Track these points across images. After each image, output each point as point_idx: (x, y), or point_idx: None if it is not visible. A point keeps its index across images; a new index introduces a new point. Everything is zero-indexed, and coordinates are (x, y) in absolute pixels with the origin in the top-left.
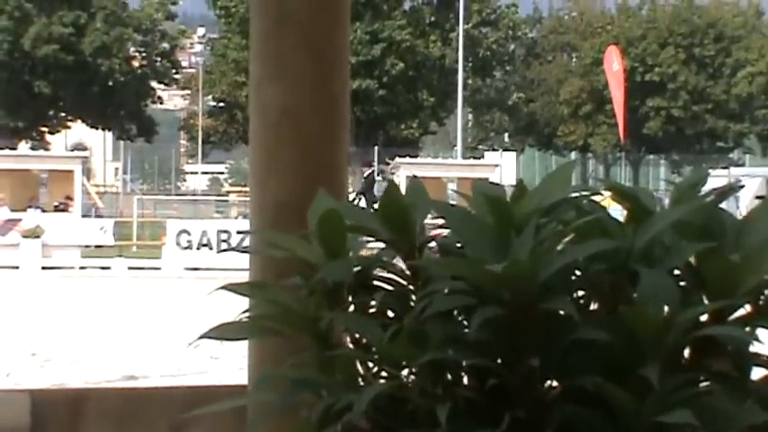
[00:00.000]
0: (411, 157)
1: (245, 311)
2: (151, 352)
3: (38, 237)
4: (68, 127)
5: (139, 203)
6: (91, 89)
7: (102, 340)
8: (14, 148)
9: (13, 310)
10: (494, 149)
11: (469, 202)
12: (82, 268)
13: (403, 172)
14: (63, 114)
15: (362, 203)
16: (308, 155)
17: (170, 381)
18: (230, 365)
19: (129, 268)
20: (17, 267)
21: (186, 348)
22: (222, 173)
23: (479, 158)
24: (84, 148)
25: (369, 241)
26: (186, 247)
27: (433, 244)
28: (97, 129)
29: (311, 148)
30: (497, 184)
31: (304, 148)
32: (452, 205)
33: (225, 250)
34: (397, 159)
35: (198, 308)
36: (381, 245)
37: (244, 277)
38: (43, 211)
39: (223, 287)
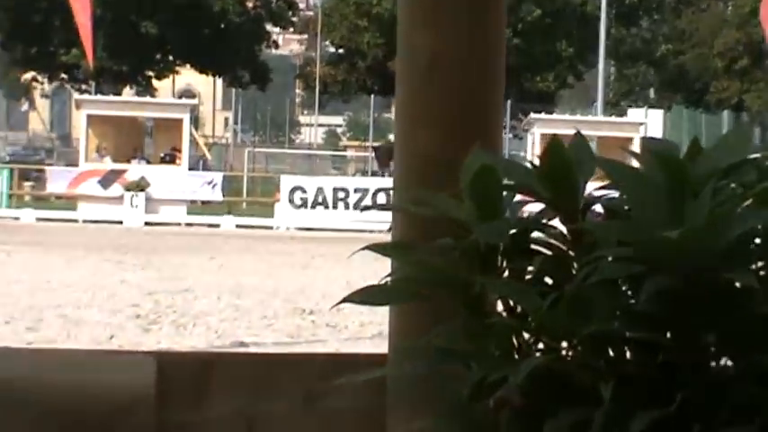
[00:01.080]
0: (546, 113)
1: (388, 275)
2: (262, 318)
3: (142, 190)
4: (176, 72)
5: (250, 157)
6: (201, 31)
7: (208, 304)
8: (118, 94)
9: (115, 268)
10: (638, 106)
11: (639, 160)
12: (188, 225)
13: (537, 129)
14: (171, 58)
15: None
16: (461, 105)
17: (284, 349)
18: (349, 334)
19: (239, 226)
20: (120, 222)
21: (301, 316)
22: (340, 126)
23: (622, 116)
24: (193, 96)
25: (527, 201)
26: (300, 206)
27: (597, 206)
28: (207, 74)
29: (465, 98)
30: (670, 142)
31: (457, 98)
32: (622, 164)
33: (366, 208)
34: (532, 115)
35: (311, 270)
36: (540, 206)
37: (364, 241)
38: (148, 162)
39: (367, 247)
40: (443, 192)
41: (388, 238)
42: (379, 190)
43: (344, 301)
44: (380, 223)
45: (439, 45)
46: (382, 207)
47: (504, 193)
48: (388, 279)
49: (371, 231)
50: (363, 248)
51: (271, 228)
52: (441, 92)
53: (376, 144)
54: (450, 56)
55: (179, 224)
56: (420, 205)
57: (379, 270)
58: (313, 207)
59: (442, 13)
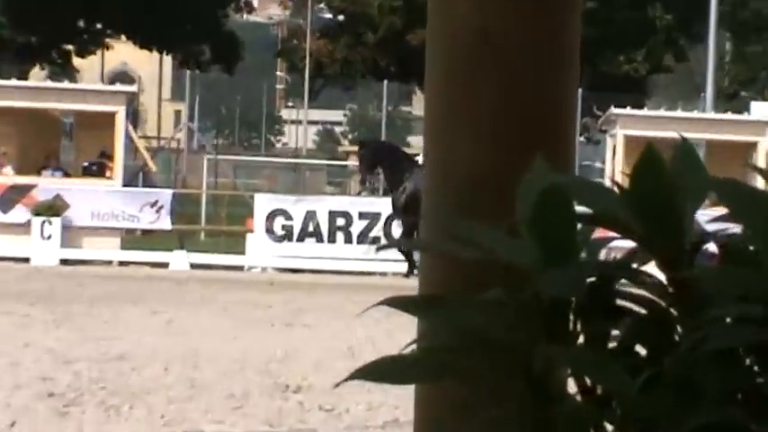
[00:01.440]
0: (633, 107)
1: (414, 341)
2: (227, 397)
3: (57, 214)
4: (107, 46)
5: (212, 167)
6: None
7: (151, 377)
8: (24, 77)
9: (18, 326)
10: (764, 98)
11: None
12: (123, 264)
13: (620, 130)
14: (99, 26)
15: None
16: (518, 102)
17: None
18: (351, 421)
19: (195, 266)
20: (26, 260)
21: (283, 395)
22: (339, 123)
23: (741, 112)
24: (131, 80)
25: (610, 238)
26: (283, 237)
27: (710, 245)
28: (150, 50)
29: (524, 90)
30: None
31: (511, 92)
32: (743, 185)
33: (382, 247)
34: (613, 110)
35: (298, 330)
36: (629, 244)
37: (374, 289)
38: (66, 174)
39: (383, 302)
40: (492, 223)
41: (410, 285)
42: (394, 216)
43: (352, 377)
44: (397, 262)
45: (490, 16)
46: (403, 244)
47: (579, 226)
48: (412, 347)
49: (383, 274)
50: (378, 304)
51: (241, 268)
52: (490, 82)
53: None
54: (505, 31)
55: (109, 263)
56: (458, 243)
57: (393, 330)
58: (300, 239)
59: None
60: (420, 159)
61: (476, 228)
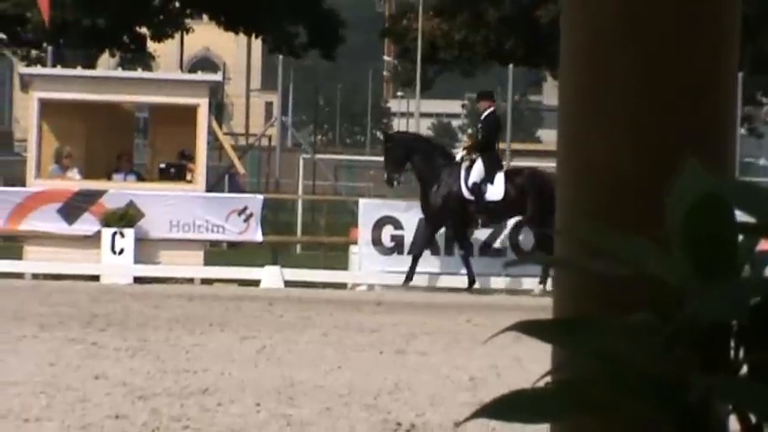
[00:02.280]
0: None
1: (549, 372)
2: None
3: (131, 224)
4: (187, 29)
5: (309, 168)
6: None
7: (240, 414)
8: (92, 66)
9: (87, 354)
10: None
11: None
12: (207, 282)
13: None
14: (177, 6)
15: (475, 173)
16: (666, 94)
17: None
18: None
19: (290, 284)
20: (95, 278)
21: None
22: (457, 116)
23: None
24: (215, 68)
25: None
26: (392, 250)
27: None
28: (237, 33)
29: (671, 81)
30: None
31: (657, 82)
32: None
33: (511, 263)
34: None
35: (411, 358)
36: None
37: (500, 310)
38: (140, 177)
39: (512, 327)
40: (637, 234)
41: (541, 305)
42: (523, 224)
43: (475, 416)
44: (526, 278)
45: None
46: (535, 260)
47: (741, 237)
48: (547, 379)
49: (510, 292)
50: (507, 329)
51: (343, 286)
52: (633, 71)
53: (412, 131)
54: (651, 11)
55: (191, 281)
56: (598, 257)
57: (522, 358)
58: (413, 252)
59: None
60: (459, 156)
61: (620, 240)
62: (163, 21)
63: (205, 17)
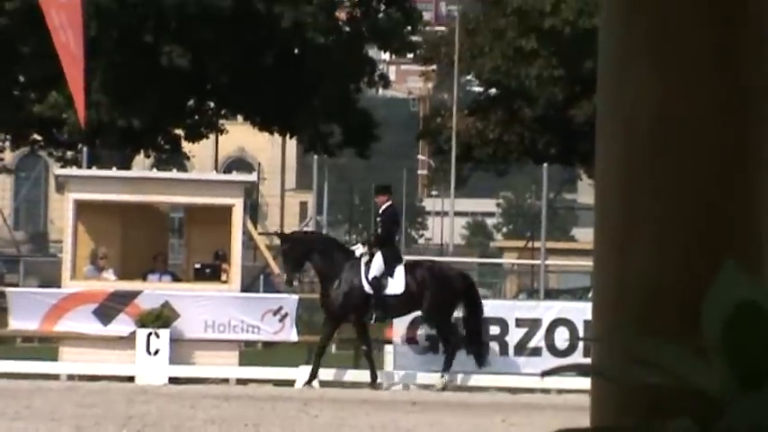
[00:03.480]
0: None
1: None
2: None
3: (166, 325)
4: (221, 129)
5: None
6: (262, 61)
7: None
8: (127, 167)
9: None
10: None
11: None
12: (241, 383)
13: None
14: (212, 106)
15: (375, 267)
16: (706, 199)
17: None
18: None
19: (325, 384)
20: (131, 379)
21: None
22: (491, 214)
23: None
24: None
25: None
26: (427, 348)
27: None
28: (271, 133)
29: (712, 187)
30: None
31: (699, 187)
32: None
33: (548, 373)
34: None
35: None
36: None
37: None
38: (176, 278)
39: None
40: (678, 341)
41: (577, 404)
42: (560, 322)
43: None
44: (564, 377)
45: (673, 98)
46: (570, 368)
47: None
48: None
49: (546, 391)
50: None
51: (378, 386)
52: (673, 175)
53: (293, 231)
54: (691, 116)
55: (226, 381)
56: (636, 366)
57: None
58: (448, 349)
59: (677, 42)
60: (358, 251)
61: (660, 348)
62: (197, 121)
63: (240, 117)
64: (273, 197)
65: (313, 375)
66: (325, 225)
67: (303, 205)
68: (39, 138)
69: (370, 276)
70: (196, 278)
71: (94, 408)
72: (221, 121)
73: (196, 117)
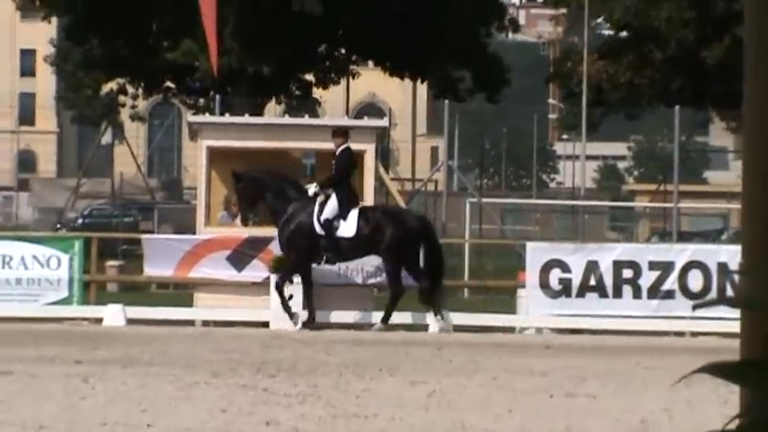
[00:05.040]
0: None
1: (737, 416)
2: None
3: None
4: (353, 74)
5: (476, 212)
6: (393, 6)
7: None
8: (259, 113)
9: (258, 400)
10: None
11: None
12: (372, 325)
13: None
14: (343, 51)
15: (329, 209)
16: None
17: None
18: None
19: (459, 328)
20: (265, 324)
21: None
22: (623, 158)
23: None
24: (380, 113)
25: None
26: (560, 293)
27: None
28: (402, 78)
29: None
30: None
31: None
32: None
33: (701, 305)
34: None
35: (581, 401)
36: None
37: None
38: None
39: (704, 369)
40: None
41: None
42: (694, 265)
43: None
44: (696, 320)
45: None
46: (721, 302)
47: None
48: (735, 422)
49: (680, 334)
50: (697, 371)
51: (511, 330)
52: None
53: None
54: None
55: (360, 326)
56: None
57: (693, 400)
58: (580, 295)
59: None
60: (311, 190)
61: None
62: (328, 67)
63: (370, 63)
64: (404, 142)
65: (285, 308)
66: (456, 170)
67: (434, 150)
68: (171, 85)
69: (322, 218)
70: None
71: (229, 353)
72: (352, 67)
73: (327, 63)
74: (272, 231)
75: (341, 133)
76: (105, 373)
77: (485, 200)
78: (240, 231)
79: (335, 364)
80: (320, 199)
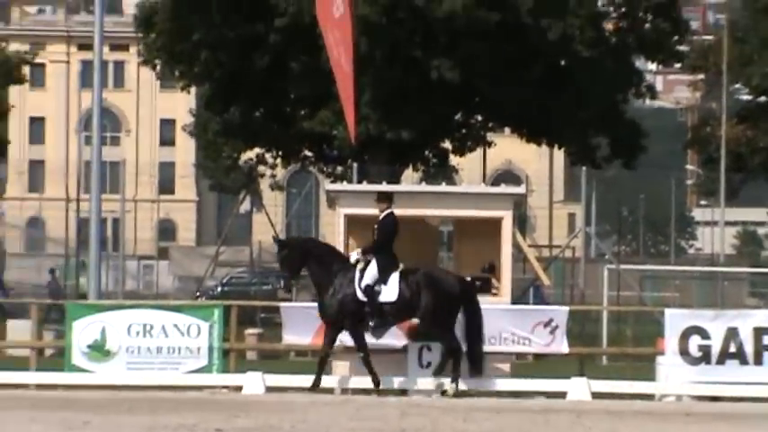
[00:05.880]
0: None
1: None
2: None
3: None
4: (489, 143)
5: (614, 278)
6: (529, 73)
7: None
8: (395, 181)
9: None
10: None
11: None
12: (513, 395)
13: None
14: (480, 119)
15: (369, 274)
16: None
17: None
18: None
19: (597, 396)
20: (402, 392)
21: None
22: (762, 224)
23: None
24: (517, 180)
25: None
26: (699, 360)
27: None
28: (539, 144)
29: None
30: None
31: None
32: None
33: None
34: None
35: None
36: None
37: None
38: None
39: None
40: None
41: None
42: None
43: None
44: None
45: None
46: None
47: None
48: None
49: None
50: None
51: (651, 397)
52: None
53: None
54: None
55: (497, 394)
56: None
57: None
58: (720, 362)
59: None
60: (353, 257)
61: None
62: (465, 135)
63: (507, 130)
64: (541, 209)
65: (316, 384)
66: (593, 236)
67: (571, 216)
68: (309, 154)
69: (363, 284)
70: None
71: (368, 421)
72: (489, 134)
73: (464, 130)
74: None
75: (385, 198)
76: None
77: (623, 266)
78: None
79: None
80: (360, 266)
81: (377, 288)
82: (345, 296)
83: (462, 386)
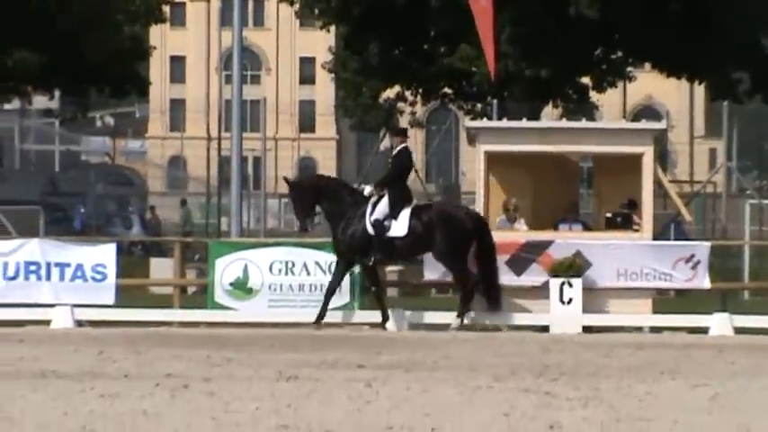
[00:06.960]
0: None
1: None
2: None
3: (577, 275)
4: (629, 78)
5: (756, 213)
6: (670, 8)
7: None
8: (535, 118)
9: (540, 402)
10: None
11: None
12: (655, 330)
13: None
14: (620, 54)
15: (379, 209)
16: None
17: None
18: None
19: (740, 331)
20: (545, 328)
21: None
22: None
23: None
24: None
25: None
26: None
27: None
28: (679, 79)
29: None
30: None
31: None
32: None
33: None
34: None
35: None
36: None
37: None
38: (586, 227)
39: None
40: None
41: None
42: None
43: None
44: None
45: None
46: None
47: None
48: None
49: None
50: None
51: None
52: None
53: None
54: None
55: (640, 329)
56: None
57: None
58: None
59: None
60: (366, 191)
61: None
62: (605, 70)
63: (647, 65)
64: (682, 144)
65: (321, 316)
66: (735, 171)
67: (712, 152)
68: (449, 91)
69: (373, 218)
70: (607, 227)
71: (510, 357)
72: (629, 69)
73: (603, 66)
74: (550, 235)
75: (399, 132)
76: (388, 378)
77: (765, 201)
78: (519, 236)
79: (617, 368)
80: (373, 200)
81: (386, 223)
82: (356, 231)
83: (485, 321)
